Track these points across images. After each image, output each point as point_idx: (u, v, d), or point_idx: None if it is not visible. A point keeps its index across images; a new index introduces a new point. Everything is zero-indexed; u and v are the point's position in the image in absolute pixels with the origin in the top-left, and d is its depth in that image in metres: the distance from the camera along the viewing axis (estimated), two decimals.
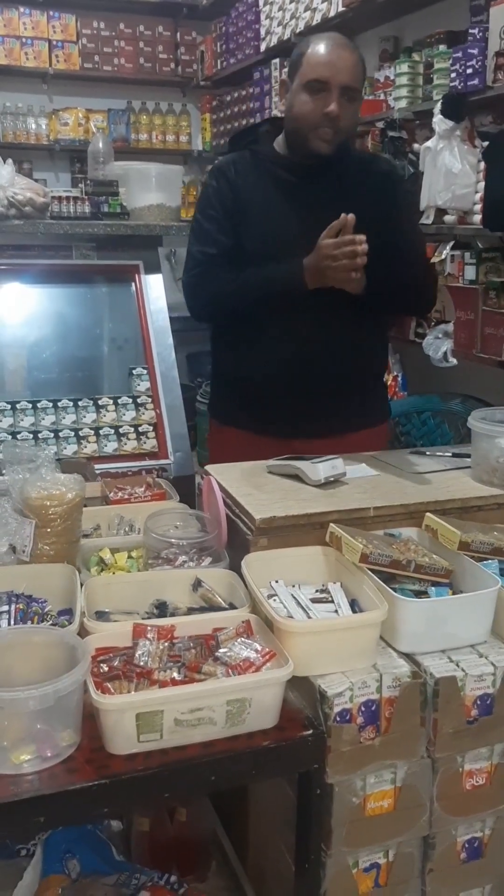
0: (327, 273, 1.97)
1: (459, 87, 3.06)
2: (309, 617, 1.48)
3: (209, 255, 2.16)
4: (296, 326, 2.11)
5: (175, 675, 1.31)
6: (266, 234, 2.11)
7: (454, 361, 3.15)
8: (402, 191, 2.30)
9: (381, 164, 2.38)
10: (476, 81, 2.98)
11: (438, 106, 3.10)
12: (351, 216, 1.91)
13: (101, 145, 3.83)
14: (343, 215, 1.91)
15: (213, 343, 2.35)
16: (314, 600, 1.54)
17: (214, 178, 2.20)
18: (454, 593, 1.54)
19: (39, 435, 2.97)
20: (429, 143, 3.16)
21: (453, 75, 3.11)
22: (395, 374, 3.77)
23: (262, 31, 4.94)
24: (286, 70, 2.18)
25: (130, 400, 3.12)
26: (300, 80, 2.04)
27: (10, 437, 2.88)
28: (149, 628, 1.38)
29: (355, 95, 2.05)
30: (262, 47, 4.97)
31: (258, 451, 2.05)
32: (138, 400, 3.13)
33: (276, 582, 1.59)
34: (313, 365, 2.13)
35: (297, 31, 4.45)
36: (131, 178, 3.57)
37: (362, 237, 1.91)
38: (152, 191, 3.52)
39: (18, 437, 2.91)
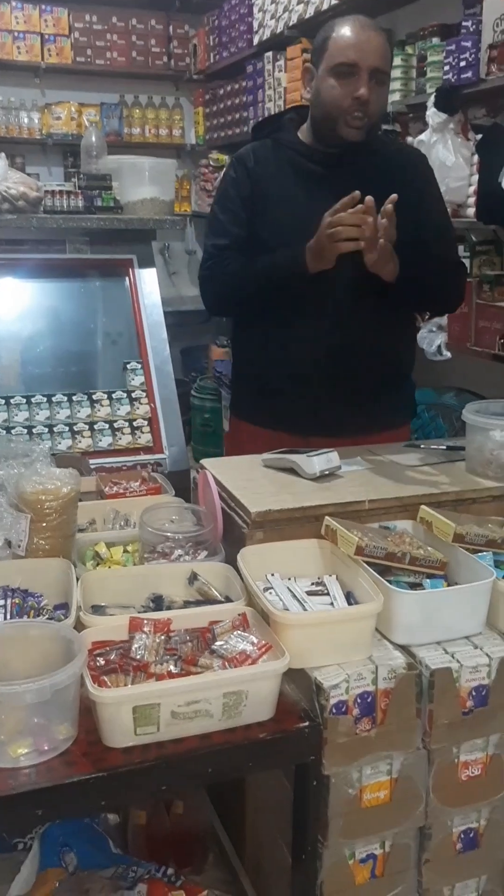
0: (324, 246, 1.90)
1: (453, 80, 3.06)
2: (305, 609, 1.48)
3: (220, 248, 2.13)
4: (320, 324, 2.08)
5: (171, 668, 1.31)
6: (285, 225, 2.06)
7: (448, 355, 3.15)
8: (431, 180, 2.23)
9: (410, 152, 2.30)
10: (469, 74, 2.98)
11: (432, 99, 3.10)
12: (357, 193, 1.84)
13: (93, 139, 3.81)
14: (353, 194, 1.84)
15: (234, 340, 2.33)
16: (310, 593, 1.54)
17: (233, 168, 2.16)
18: (449, 585, 1.55)
19: (34, 430, 2.96)
20: (422, 137, 3.16)
21: (447, 68, 3.11)
22: None
23: (255, 25, 4.92)
24: (309, 55, 2.13)
25: (125, 394, 3.12)
26: (327, 65, 1.97)
27: (4, 432, 2.87)
28: (145, 622, 1.38)
29: (384, 79, 1.99)
30: (255, 40, 4.95)
31: (275, 447, 2.00)
32: (133, 394, 3.13)
33: (272, 575, 1.59)
34: (337, 363, 2.08)
35: (290, 24, 4.43)
36: (124, 172, 3.55)
37: (368, 211, 1.84)
38: (145, 185, 3.51)
39: (12, 432, 2.90)
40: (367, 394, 2.14)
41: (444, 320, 3.16)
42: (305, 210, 2.02)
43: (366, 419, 2.15)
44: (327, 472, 1.81)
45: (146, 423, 3.10)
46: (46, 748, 1.23)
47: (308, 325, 2.09)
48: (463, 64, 3.00)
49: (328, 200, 1.93)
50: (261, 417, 2.21)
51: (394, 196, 1.82)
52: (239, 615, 1.44)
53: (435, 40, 3.36)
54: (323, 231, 1.90)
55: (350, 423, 2.12)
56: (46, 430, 2.98)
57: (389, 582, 1.49)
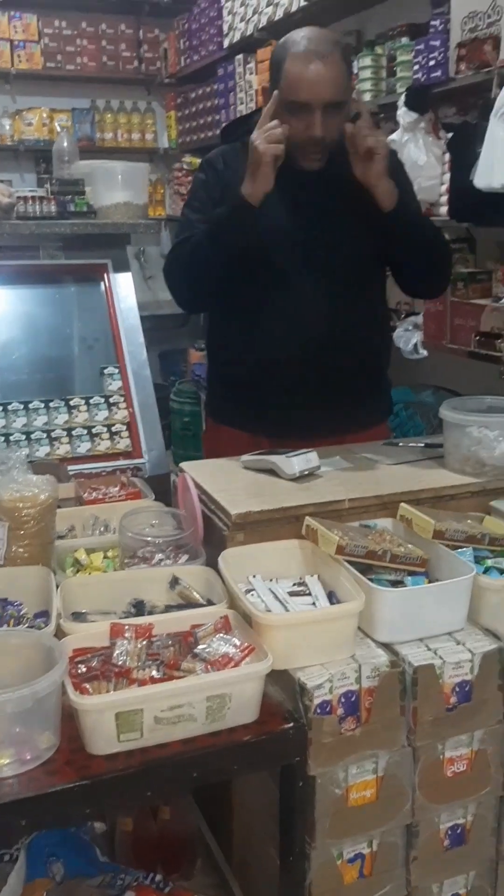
0: (256, 160, 1.88)
1: (422, 80, 3.08)
2: (287, 610, 1.48)
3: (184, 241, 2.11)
4: (294, 322, 2.06)
5: (154, 673, 1.30)
6: (260, 226, 2.02)
7: (424, 353, 3.16)
8: (402, 172, 2.22)
9: None
10: (439, 73, 3.00)
11: (402, 98, 3.11)
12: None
13: (65, 144, 3.80)
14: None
15: (209, 343, 2.31)
16: (292, 593, 1.54)
17: (202, 171, 2.16)
18: (430, 582, 1.55)
19: (11, 437, 2.94)
20: (394, 136, 3.17)
21: (416, 67, 3.12)
22: None
23: (225, 28, 4.93)
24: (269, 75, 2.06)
25: (103, 400, 3.10)
26: (281, 96, 1.93)
27: None
28: (126, 627, 1.37)
29: (340, 106, 1.93)
30: (226, 43, 4.95)
31: (253, 450, 2.00)
32: (111, 399, 3.11)
33: (254, 577, 1.59)
34: (312, 363, 2.08)
35: (260, 26, 4.44)
36: (97, 177, 3.54)
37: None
38: (119, 189, 3.50)
39: None
40: (343, 393, 2.13)
41: (419, 319, 3.17)
42: (274, 210, 2.01)
43: (343, 419, 2.14)
44: (307, 473, 1.81)
45: (125, 427, 3.08)
46: (29, 757, 1.22)
47: (282, 327, 2.08)
48: (432, 63, 3.02)
49: (294, 199, 1.94)
50: (238, 420, 2.20)
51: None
52: (221, 618, 1.43)
53: (404, 40, 3.37)
54: (253, 146, 1.89)
55: (327, 424, 2.11)
56: (24, 437, 2.96)
57: (371, 580, 1.49)
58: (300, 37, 1.94)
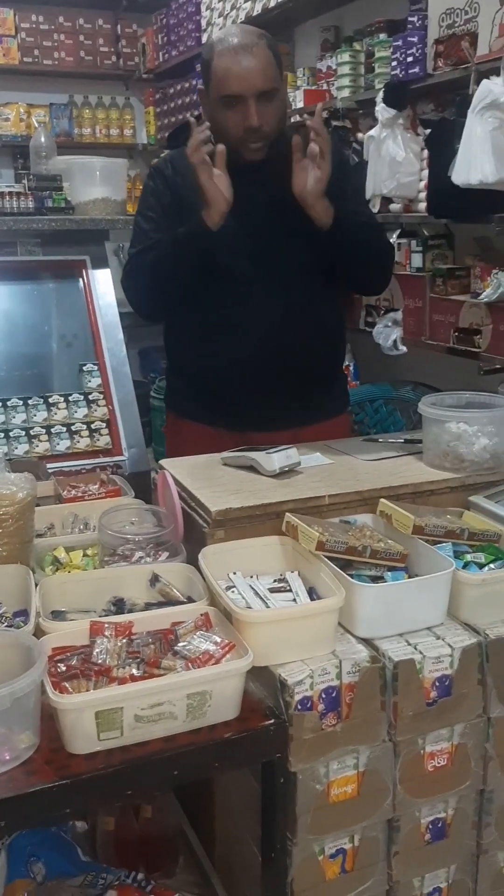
0: (200, 178, 1.93)
1: (401, 76, 3.08)
2: (268, 607, 1.48)
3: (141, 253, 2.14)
4: (249, 317, 2.09)
5: (134, 671, 1.30)
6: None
7: (404, 349, 3.17)
8: (346, 166, 2.26)
9: None
10: (417, 69, 3.00)
11: (381, 95, 3.11)
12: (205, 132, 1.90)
13: (42, 140, 3.77)
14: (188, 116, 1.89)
15: (167, 335, 2.32)
16: (272, 590, 1.54)
17: (151, 179, 2.19)
18: (410, 577, 1.56)
19: None
20: (372, 132, 3.17)
21: (394, 64, 3.12)
22: (347, 363, 3.79)
23: (203, 23, 4.91)
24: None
25: (82, 397, 3.09)
26: (214, 94, 1.98)
27: None
28: (106, 625, 1.37)
29: (273, 94, 1.97)
30: (204, 39, 4.93)
31: (215, 443, 2.05)
32: (90, 396, 3.10)
33: (234, 573, 1.58)
34: (269, 358, 2.10)
35: (239, 21, 4.42)
36: (75, 173, 3.52)
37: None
38: (97, 185, 3.48)
39: None
40: (301, 386, 2.16)
41: (398, 315, 3.18)
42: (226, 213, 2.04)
43: (302, 411, 2.18)
44: (287, 469, 1.81)
45: (104, 425, 3.07)
46: (8, 757, 1.21)
47: (238, 321, 2.10)
48: (410, 59, 3.02)
49: (242, 199, 1.97)
50: (198, 414, 2.23)
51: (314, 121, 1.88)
52: (201, 615, 1.42)
53: (382, 36, 3.37)
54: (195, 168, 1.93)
55: (287, 416, 2.14)
56: (2, 434, 2.94)
57: (351, 576, 1.49)
58: (224, 34, 1.99)
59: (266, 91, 1.95)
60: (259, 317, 2.08)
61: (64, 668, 1.30)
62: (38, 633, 1.37)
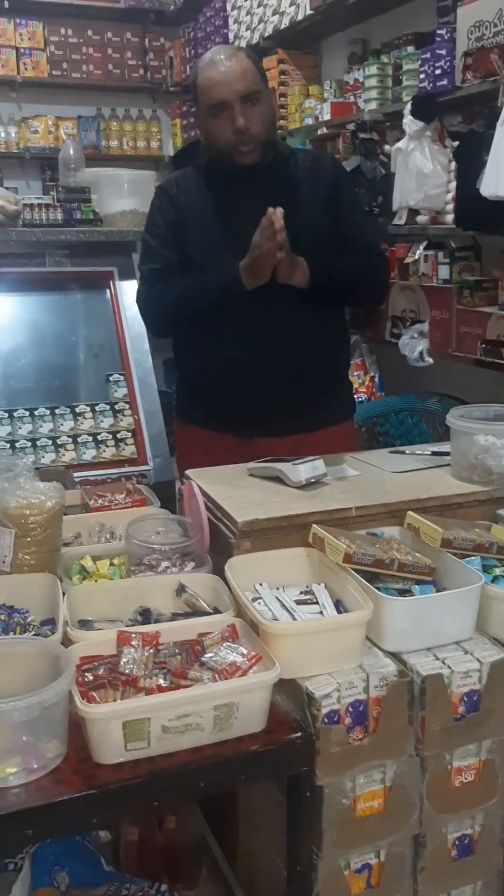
0: (256, 263, 1.99)
1: (428, 88, 3.08)
2: (294, 619, 1.48)
3: (154, 272, 2.20)
4: (255, 327, 2.12)
5: (161, 681, 1.30)
6: (210, 243, 2.13)
7: (430, 361, 3.16)
8: (344, 179, 2.30)
9: (323, 158, 2.37)
10: (445, 82, 3.00)
11: (408, 107, 3.12)
12: (279, 210, 1.92)
13: (71, 152, 3.82)
14: (269, 210, 1.92)
15: (175, 344, 2.36)
16: (299, 602, 1.53)
17: (157, 198, 2.25)
18: (438, 591, 1.54)
19: (16, 444, 2.95)
20: (400, 144, 3.17)
21: (422, 76, 3.12)
22: (372, 374, 3.78)
23: (231, 36, 4.94)
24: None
25: (108, 407, 3.11)
26: (202, 110, 2.07)
27: None
28: (133, 635, 1.37)
29: (257, 96, 2.04)
30: None
31: (223, 450, 2.10)
32: (116, 406, 3.12)
33: (260, 585, 1.58)
34: (273, 365, 2.13)
35: (266, 35, 4.45)
36: (103, 185, 3.55)
37: (279, 219, 1.92)
38: (124, 196, 3.51)
39: None
40: (307, 394, 2.20)
41: (425, 327, 3.17)
42: (226, 226, 2.13)
43: (309, 418, 2.21)
44: (313, 480, 1.80)
45: (130, 434, 3.09)
46: (35, 766, 1.21)
47: (246, 330, 2.13)
48: (438, 72, 3.02)
49: (245, 215, 2.02)
50: (207, 421, 2.26)
51: (279, 210, 1.91)
52: (228, 626, 1.42)
53: (410, 49, 3.37)
54: (253, 252, 1.99)
55: (294, 423, 2.18)
56: (29, 444, 2.96)
57: (378, 589, 1.48)
58: (205, 54, 2.09)
59: (248, 94, 2.02)
60: (261, 326, 2.12)
61: (91, 678, 1.31)
62: (66, 641, 1.38)
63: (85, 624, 1.49)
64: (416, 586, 1.54)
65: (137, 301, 2.29)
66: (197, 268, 2.14)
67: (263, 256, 1.97)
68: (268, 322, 2.11)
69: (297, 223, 2.02)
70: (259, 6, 4.50)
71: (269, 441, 2.11)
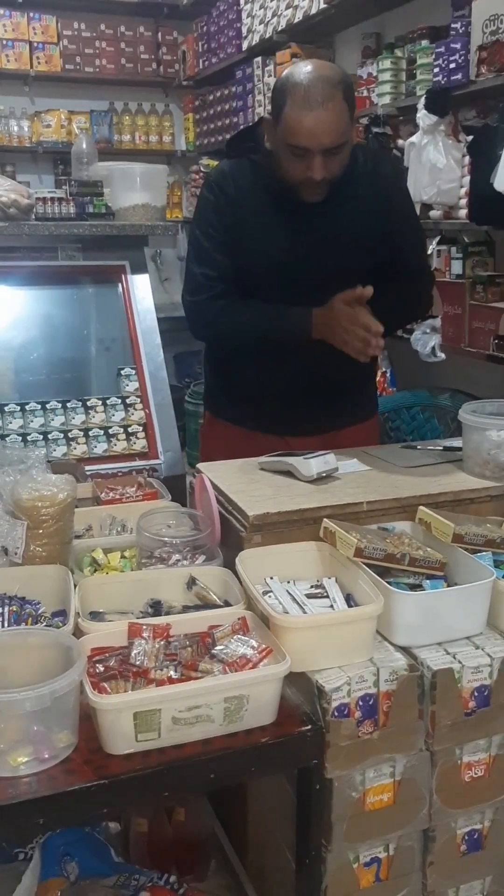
0: (338, 341, 1.97)
1: (443, 82, 3.07)
2: (305, 612, 1.48)
3: (210, 279, 2.10)
4: None
5: (172, 673, 1.30)
6: (267, 255, 2.06)
7: (442, 356, 3.15)
8: (404, 188, 2.28)
9: (384, 165, 2.22)
10: (459, 76, 2.98)
11: (422, 101, 3.10)
12: (369, 290, 1.90)
13: (84, 146, 3.82)
14: (359, 289, 1.90)
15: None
16: (309, 596, 1.53)
17: (213, 193, 2.11)
18: (449, 586, 1.54)
19: (28, 437, 2.96)
20: (413, 139, 3.16)
21: (436, 70, 3.11)
22: (384, 369, 3.77)
23: (244, 30, 4.93)
24: (269, 108, 2.04)
25: (119, 400, 3.11)
26: (281, 137, 1.92)
27: None
28: (144, 627, 1.37)
29: (341, 147, 1.92)
30: (244, 46, 4.95)
31: (252, 446, 2.07)
32: (127, 400, 3.13)
33: (271, 578, 1.58)
34: (306, 365, 2.12)
35: (279, 28, 4.44)
36: (115, 179, 3.56)
37: (379, 328, 1.90)
38: (137, 191, 3.51)
39: (7, 439, 2.90)
40: (339, 393, 2.20)
41: (437, 322, 3.16)
42: (286, 240, 2.05)
43: (339, 417, 2.23)
44: (324, 475, 1.80)
45: (141, 428, 3.10)
46: (47, 756, 1.22)
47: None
48: (453, 66, 3.01)
49: (307, 227, 2.01)
50: (238, 418, 2.25)
51: (368, 290, 1.91)
52: (238, 619, 1.43)
53: (424, 43, 3.36)
54: (335, 328, 1.95)
55: (325, 422, 2.20)
56: (41, 437, 2.97)
57: (389, 583, 1.48)
58: (301, 77, 1.89)
59: (333, 147, 1.91)
60: None
61: (102, 669, 1.31)
62: (77, 633, 1.38)
63: (96, 616, 1.49)
64: (427, 581, 1.54)
65: (186, 306, 2.16)
66: (250, 279, 2.07)
67: (348, 346, 1.95)
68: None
69: (352, 233, 2.02)
70: (272, 0, 4.49)
71: (299, 439, 2.10)
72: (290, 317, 2.04)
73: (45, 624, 1.46)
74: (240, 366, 2.20)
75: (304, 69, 1.91)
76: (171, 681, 1.29)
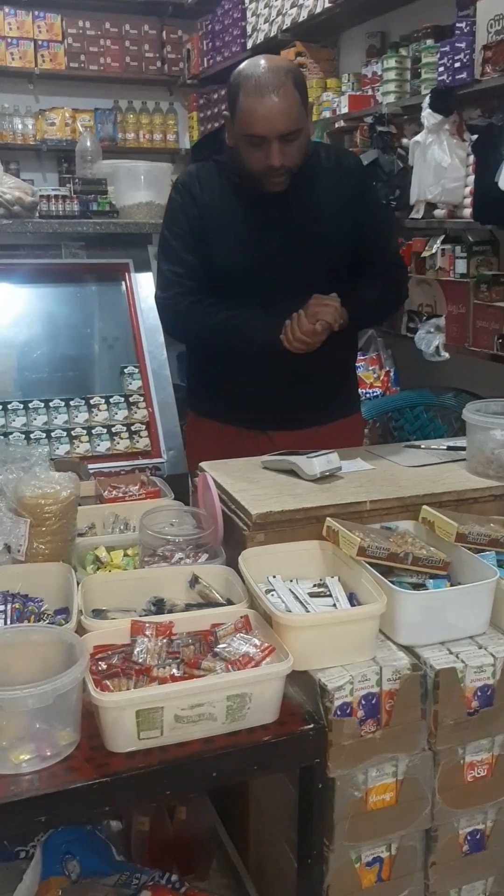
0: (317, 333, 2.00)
1: (447, 81, 3.06)
2: (307, 611, 1.47)
3: (178, 275, 2.14)
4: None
5: (174, 671, 1.30)
6: (233, 250, 2.09)
7: (446, 355, 3.15)
8: (367, 184, 2.30)
9: (347, 159, 2.27)
10: (464, 75, 2.98)
11: (427, 100, 3.10)
12: (319, 325, 1.95)
13: (88, 144, 3.82)
14: (312, 327, 1.95)
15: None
16: (312, 594, 1.53)
17: (179, 194, 2.17)
18: (452, 585, 1.54)
19: (31, 435, 2.95)
20: (418, 138, 3.16)
21: (441, 69, 3.11)
22: (388, 369, 3.77)
23: (249, 29, 4.93)
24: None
25: (122, 399, 3.11)
26: (238, 129, 1.98)
27: (1, 437, 2.86)
28: (147, 625, 1.37)
29: (296, 133, 1.96)
30: (249, 44, 4.96)
31: (235, 442, 2.11)
32: (130, 399, 3.12)
33: (274, 577, 1.58)
34: (284, 362, 2.10)
35: (284, 27, 4.44)
36: (120, 177, 3.55)
37: (309, 328, 1.96)
38: (141, 189, 3.51)
39: (10, 437, 2.90)
40: (322, 388, 2.21)
41: (441, 321, 3.16)
42: (253, 237, 2.08)
43: (322, 412, 2.24)
44: (327, 474, 1.80)
45: (144, 427, 3.09)
46: (49, 754, 1.22)
47: None
48: (457, 65, 3.00)
49: (272, 223, 2.03)
50: (222, 415, 2.26)
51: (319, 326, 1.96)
52: (241, 617, 1.42)
53: (429, 42, 3.36)
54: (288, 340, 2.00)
55: (307, 417, 2.21)
56: (44, 435, 2.97)
57: (392, 583, 1.48)
58: (251, 70, 1.96)
59: (289, 133, 1.94)
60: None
61: (105, 667, 1.31)
62: (80, 631, 1.38)
63: (99, 613, 1.49)
64: (431, 580, 1.53)
65: (157, 303, 2.23)
66: (226, 281, 2.10)
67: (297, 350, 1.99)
68: (284, 318, 2.09)
69: (320, 228, 2.03)
70: None
71: (282, 434, 2.14)
72: (259, 323, 2.06)
73: (47, 621, 1.46)
74: (220, 363, 2.21)
75: (253, 62, 2.00)
76: (173, 679, 1.29)
